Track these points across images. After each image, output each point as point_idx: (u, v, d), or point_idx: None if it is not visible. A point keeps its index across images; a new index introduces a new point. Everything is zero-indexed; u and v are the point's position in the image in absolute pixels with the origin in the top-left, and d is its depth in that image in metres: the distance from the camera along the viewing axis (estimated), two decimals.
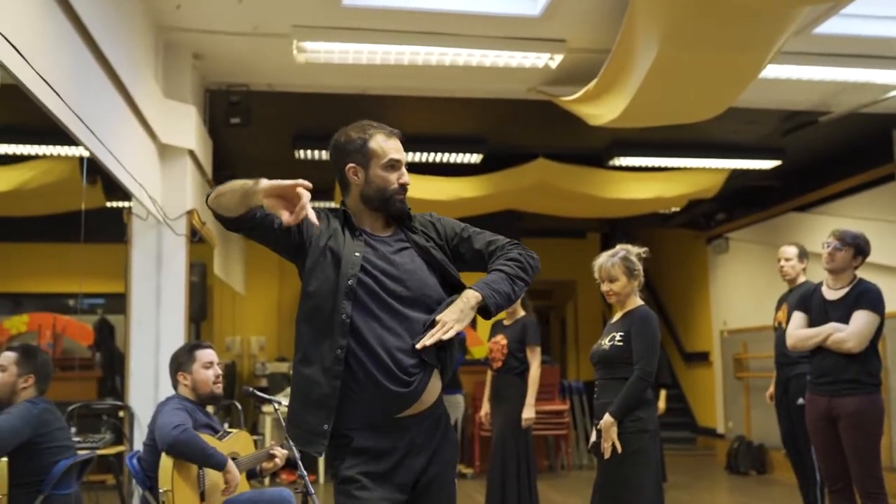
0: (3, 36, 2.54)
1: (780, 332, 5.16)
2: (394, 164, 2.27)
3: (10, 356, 3.70)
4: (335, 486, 2.22)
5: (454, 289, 2.30)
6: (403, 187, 2.29)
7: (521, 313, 5.60)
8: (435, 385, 2.26)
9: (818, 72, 5.59)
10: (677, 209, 9.65)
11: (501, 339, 5.55)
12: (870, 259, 7.06)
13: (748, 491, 7.61)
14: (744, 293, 9.78)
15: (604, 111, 5.24)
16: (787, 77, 5.66)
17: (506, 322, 5.63)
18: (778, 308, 5.32)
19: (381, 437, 2.19)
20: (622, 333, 3.82)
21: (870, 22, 5.00)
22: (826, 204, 8.27)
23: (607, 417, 3.70)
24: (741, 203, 9.72)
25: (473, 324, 10.58)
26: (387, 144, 2.28)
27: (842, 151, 7.86)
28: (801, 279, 5.23)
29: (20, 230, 9.60)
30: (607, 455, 3.69)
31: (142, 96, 4.41)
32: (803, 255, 5.28)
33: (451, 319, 2.16)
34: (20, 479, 3.40)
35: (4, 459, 3.42)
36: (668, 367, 7.47)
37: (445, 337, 2.14)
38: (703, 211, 10.14)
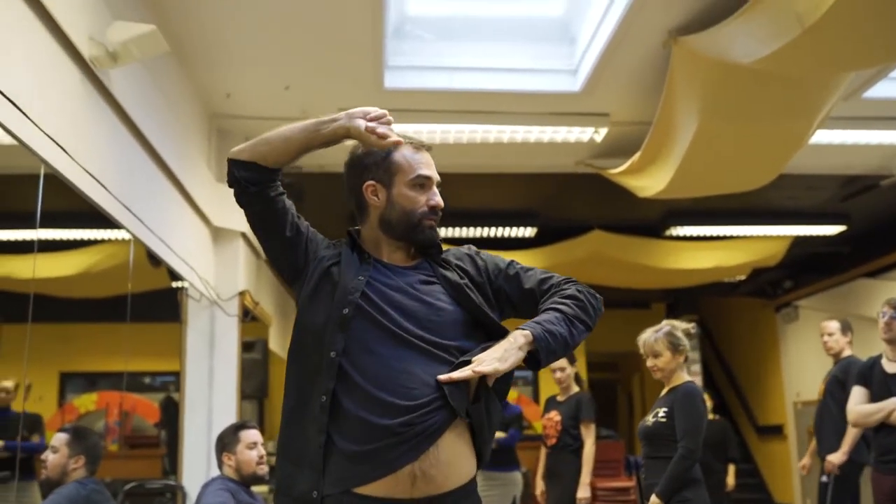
0: (50, 137, 2.67)
1: (821, 404, 5.20)
2: (423, 183, 1.89)
3: (61, 437, 3.78)
4: None
5: (491, 336, 1.84)
6: (434, 210, 1.90)
7: (576, 389, 5.51)
8: (461, 459, 1.75)
9: (872, 135, 5.47)
10: (742, 278, 9.45)
11: (555, 416, 5.45)
12: None
13: None
14: (816, 363, 9.41)
15: (651, 183, 5.21)
16: (841, 142, 5.54)
17: (559, 398, 5.54)
18: (832, 382, 5.18)
19: None
20: (666, 409, 3.73)
21: None
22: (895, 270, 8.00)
23: (653, 498, 3.59)
24: (809, 270, 9.46)
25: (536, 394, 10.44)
26: (415, 158, 1.90)
27: None
28: (847, 353, 5.10)
29: (90, 311, 9.93)
30: None
31: (193, 183, 4.56)
32: (846, 328, 5.17)
33: (491, 358, 1.70)
34: None
35: None
36: (735, 441, 7.20)
37: (482, 370, 1.67)
38: (769, 279, 9.90)
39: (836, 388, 5.00)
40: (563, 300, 1.84)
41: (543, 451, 5.60)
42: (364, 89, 4.68)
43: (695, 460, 3.62)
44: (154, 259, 7.32)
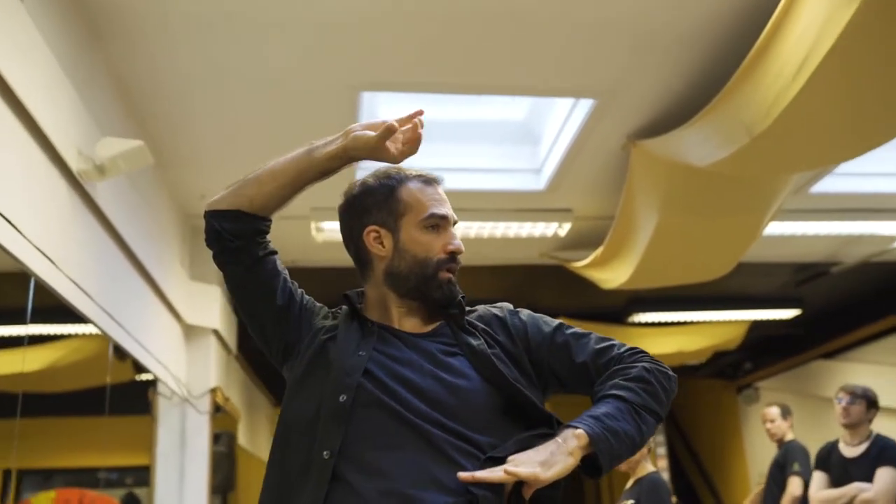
0: (36, 247, 2.75)
1: (765, 490, 5.30)
2: (437, 224, 1.55)
3: None
4: None
5: (531, 423, 1.44)
6: (453, 257, 1.54)
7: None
8: None
9: (821, 226, 5.73)
10: (703, 361, 9.63)
11: None
12: (889, 404, 7.02)
13: None
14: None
15: (614, 276, 5.39)
16: (792, 233, 5.80)
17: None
18: (774, 467, 5.34)
19: None
20: (633, 501, 3.82)
21: (863, 179, 5.17)
22: (850, 351, 8.25)
23: None
24: (768, 352, 9.68)
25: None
26: (425, 193, 1.57)
27: (860, 299, 7.89)
28: (789, 436, 5.30)
29: (49, 406, 9.78)
30: None
31: (167, 281, 4.63)
32: (787, 413, 5.41)
33: (532, 461, 1.29)
34: None
35: None
36: None
37: (519, 472, 1.27)
38: (730, 361, 10.10)
39: (777, 472, 5.22)
40: (629, 384, 1.45)
41: None
42: (338, 188, 4.83)
43: None
44: (119, 353, 7.32)
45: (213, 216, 1.55)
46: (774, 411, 5.40)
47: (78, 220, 3.19)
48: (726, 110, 3.47)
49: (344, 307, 1.61)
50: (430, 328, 1.55)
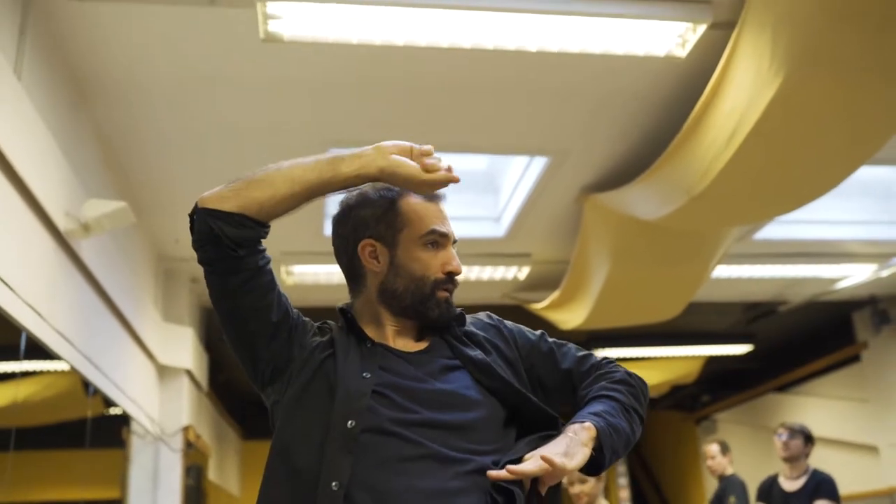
0: (23, 300, 2.96)
1: None
2: (436, 241, 1.48)
3: None
4: None
5: (538, 428, 1.41)
6: (451, 277, 1.48)
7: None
8: None
9: (766, 270, 6.08)
10: (663, 394, 9.94)
11: None
12: (838, 436, 7.36)
13: None
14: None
15: (570, 317, 5.67)
16: (740, 276, 6.13)
17: None
18: (714, 501, 5.62)
19: None
20: None
21: (803, 226, 5.50)
22: (801, 384, 8.59)
23: None
24: (724, 385, 10.02)
25: None
26: (427, 209, 1.49)
27: (809, 335, 8.26)
28: (729, 471, 5.60)
29: (21, 440, 9.83)
30: None
31: (141, 323, 4.83)
32: (725, 449, 5.72)
33: (554, 453, 1.26)
34: None
35: None
36: None
37: (554, 459, 1.24)
38: (689, 393, 10.43)
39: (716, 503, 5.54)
40: (616, 386, 1.46)
41: None
42: (306, 236, 5.07)
43: None
44: (88, 388, 7.47)
45: (212, 216, 1.34)
46: (714, 448, 5.70)
47: (63, 275, 3.40)
48: (667, 173, 3.78)
49: (330, 322, 1.51)
50: (424, 345, 1.48)
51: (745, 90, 3.18)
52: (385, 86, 3.67)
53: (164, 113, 3.80)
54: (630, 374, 1.50)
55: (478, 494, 1.28)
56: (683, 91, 3.62)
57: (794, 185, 3.70)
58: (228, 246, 1.34)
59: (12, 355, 6.84)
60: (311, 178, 1.37)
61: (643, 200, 4.13)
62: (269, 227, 1.40)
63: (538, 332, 1.58)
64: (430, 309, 1.46)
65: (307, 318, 1.50)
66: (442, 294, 1.47)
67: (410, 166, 1.37)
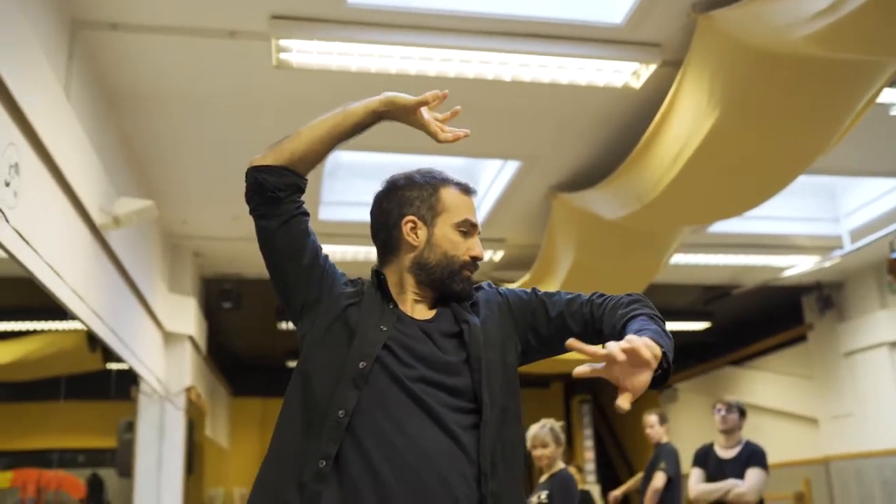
0: (66, 283, 3.48)
1: (643, 484, 6.12)
2: (468, 230, 1.70)
3: None
4: None
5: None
6: (475, 262, 1.69)
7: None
8: None
9: (719, 258, 6.67)
10: None
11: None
12: (784, 408, 8.00)
13: None
14: (691, 441, 10.53)
15: None
16: (696, 263, 6.72)
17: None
18: (648, 466, 6.27)
19: None
20: (547, 492, 4.65)
21: (754, 221, 6.08)
22: (753, 360, 9.25)
23: None
24: (685, 358, 10.67)
25: None
26: (463, 200, 1.73)
27: (762, 315, 8.89)
28: (664, 440, 6.22)
29: (19, 392, 10.33)
30: None
31: (152, 296, 5.35)
32: (664, 419, 6.32)
33: (643, 344, 1.31)
34: None
35: None
36: None
37: (652, 347, 1.32)
38: None
39: (649, 470, 6.20)
40: (632, 306, 1.58)
41: None
42: None
43: None
44: (92, 344, 8.01)
45: (256, 170, 1.63)
46: (653, 419, 6.29)
47: (97, 261, 3.93)
48: (623, 183, 4.34)
49: (363, 278, 1.72)
50: (433, 314, 1.66)
51: (688, 120, 3.72)
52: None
53: (182, 124, 4.32)
54: (633, 294, 1.64)
55: (459, 446, 1.50)
56: (637, 116, 4.16)
57: (731, 198, 4.27)
58: (269, 191, 1.60)
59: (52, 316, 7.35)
60: (328, 122, 1.63)
61: (603, 203, 4.68)
62: (304, 178, 1.64)
63: (530, 289, 1.76)
64: (456, 283, 1.65)
65: (342, 271, 1.71)
66: (466, 273, 1.67)
67: (407, 96, 1.65)
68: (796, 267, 6.91)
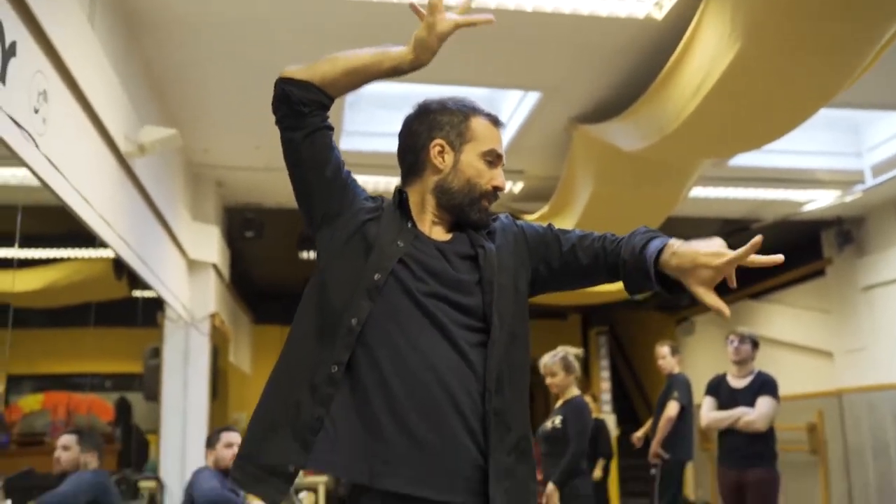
0: (95, 210, 3.57)
1: (655, 413, 6.30)
2: (493, 160, 1.72)
3: (70, 438, 4.65)
4: None
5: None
6: (496, 192, 1.73)
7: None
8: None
9: (739, 192, 6.66)
10: (647, 295, 10.68)
11: None
12: (805, 343, 8.08)
13: None
14: (708, 372, 10.66)
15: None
16: (716, 197, 6.73)
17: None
18: (661, 396, 6.39)
19: None
20: (560, 418, 4.77)
21: (774, 155, 6.05)
22: (771, 294, 9.28)
23: (550, 485, 4.63)
24: None
25: None
26: (492, 131, 1.74)
27: (782, 249, 8.71)
28: (676, 370, 6.32)
29: (49, 319, 10.59)
30: None
31: (176, 224, 5.45)
32: (675, 351, 6.42)
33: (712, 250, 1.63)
34: None
35: None
36: (607, 439, 8.40)
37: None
38: (670, 297, 11.15)
39: (662, 400, 6.30)
40: (643, 233, 1.71)
41: None
42: None
43: (582, 457, 4.67)
44: (118, 272, 8.16)
45: (284, 82, 1.65)
46: (665, 350, 6.40)
47: (122, 188, 4.01)
48: (643, 115, 4.33)
49: (383, 197, 1.77)
50: (449, 237, 1.71)
51: (710, 51, 3.70)
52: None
53: (206, 51, 4.33)
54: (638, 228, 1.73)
55: (467, 362, 1.57)
56: (658, 47, 4.13)
57: (752, 131, 4.26)
58: (295, 104, 1.64)
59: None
60: (367, 59, 1.65)
61: (623, 135, 4.68)
62: (331, 97, 1.67)
63: (546, 223, 1.84)
64: (475, 212, 1.70)
65: (363, 188, 1.76)
66: (485, 203, 1.72)
67: (421, 35, 1.65)
68: (816, 201, 6.90)
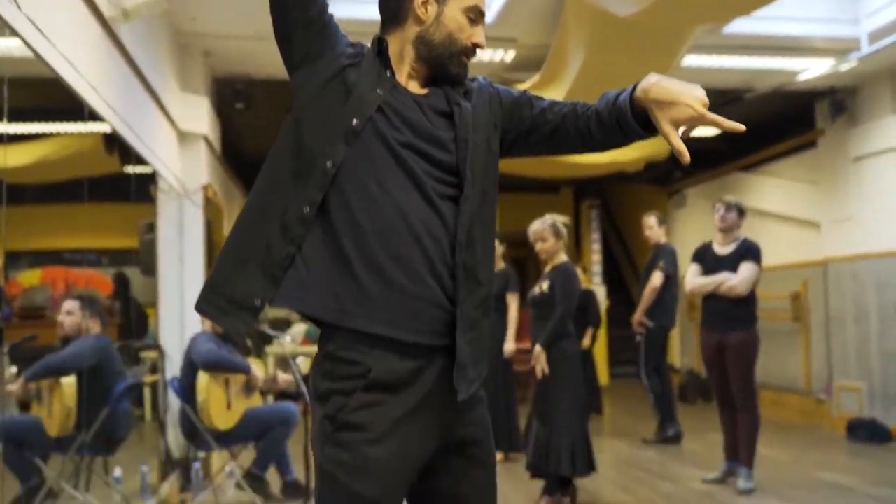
0: (83, 77, 3.55)
1: (640, 284, 6.51)
2: (475, 18, 1.74)
3: (74, 304, 4.77)
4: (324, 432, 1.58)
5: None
6: (475, 49, 1.75)
7: (502, 265, 6.32)
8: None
9: (732, 61, 6.60)
10: (639, 169, 10.70)
11: None
12: (793, 213, 8.21)
13: (692, 415, 8.77)
14: (698, 243, 10.87)
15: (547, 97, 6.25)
16: (710, 66, 6.66)
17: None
18: (647, 266, 6.53)
19: (396, 356, 1.58)
20: (548, 283, 4.89)
21: (769, 22, 5.97)
22: (763, 165, 9.33)
23: (537, 347, 4.79)
24: (695, 163, 10.71)
25: None
26: None
27: (775, 120, 8.86)
28: (663, 240, 6.43)
29: (42, 194, 10.61)
30: (539, 376, 4.80)
31: (165, 94, 5.41)
32: (662, 221, 6.52)
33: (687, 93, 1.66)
34: (91, 396, 4.49)
35: (72, 378, 4.38)
36: (596, 309, 8.63)
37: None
38: (663, 169, 11.19)
39: (647, 270, 6.45)
40: (613, 92, 1.78)
41: None
42: None
43: (569, 319, 4.81)
44: (109, 146, 8.15)
45: None
46: (652, 220, 6.50)
47: (108, 56, 3.97)
48: None
49: (363, 44, 1.75)
50: (426, 91, 1.73)
51: None
52: None
53: None
54: None
55: (437, 213, 1.61)
56: None
57: None
58: None
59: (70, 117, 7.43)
60: None
61: None
62: None
63: (522, 89, 1.90)
64: (454, 66, 1.72)
65: (345, 34, 1.75)
66: (464, 59, 1.75)
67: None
68: (811, 70, 6.84)
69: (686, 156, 1.61)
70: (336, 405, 1.55)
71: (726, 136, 9.28)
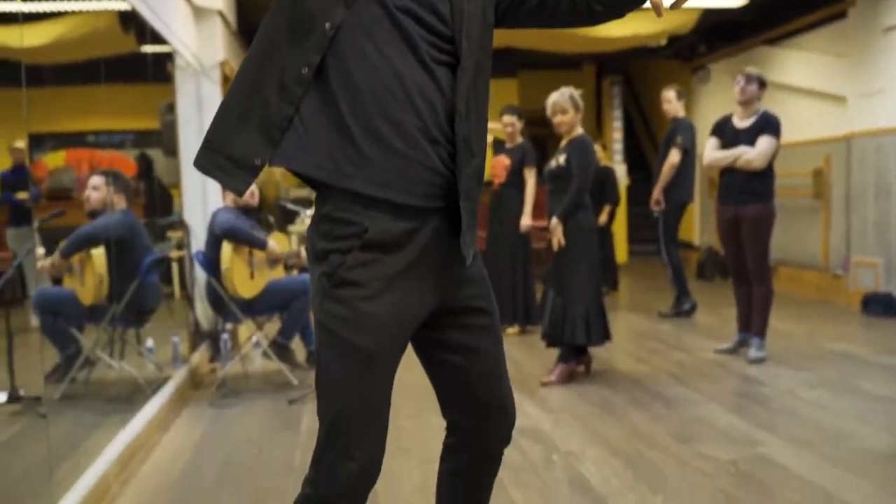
0: None
1: (659, 155, 6.52)
2: None
3: (100, 180, 4.87)
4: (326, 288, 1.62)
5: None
6: None
7: (520, 139, 6.48)
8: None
9: None
10: (663, 43, 10.46)
11: (505, 160, 6.46)
12: (819, 88, 8.08)
13: (710, 291, 8.89)
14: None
15: None
16: None
17: (507, 145, 6.52)
18: (665, 140, 6.49)
19: (392, 216, 1.61)
20: (565, 156, 4.90)
21: None
22: (791, 38, 9.08)
23: (554, 219, 4.85)
24: (720, 37, 10.49)
25: None
26: None
27: None
28: (681, 114, 6.35)
29: (60, 76, 10.59)
30: (556, 248, 4.88)
31: None
32: (681, 95, 6.43)
33: None
34: (120, 269, 4.63)
35: (102, 249, 4.51)
36: (614, 186, 8.64)
37: None
38: (687, 44, 10.94)
39: (665, 145, 6.39)
40: None
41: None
42: None
43: (585, 191, 4.85)
44: (125, 25, 8.07)
45: None
46: (671, 94, 6.40)
47: None
48: None
49: None
50: None
51: None
52: None
53: None
54: None
55: (433, 77, 1.61)
56: None
57: None
58: None
59: None
60: None
61: None
62: None
63: None
64: None
65: None
66: None
67: None
68: None
69: (661, 7, 1.62)
70: (334, 263, 1.59)
71: (752, 7, 9.03)
